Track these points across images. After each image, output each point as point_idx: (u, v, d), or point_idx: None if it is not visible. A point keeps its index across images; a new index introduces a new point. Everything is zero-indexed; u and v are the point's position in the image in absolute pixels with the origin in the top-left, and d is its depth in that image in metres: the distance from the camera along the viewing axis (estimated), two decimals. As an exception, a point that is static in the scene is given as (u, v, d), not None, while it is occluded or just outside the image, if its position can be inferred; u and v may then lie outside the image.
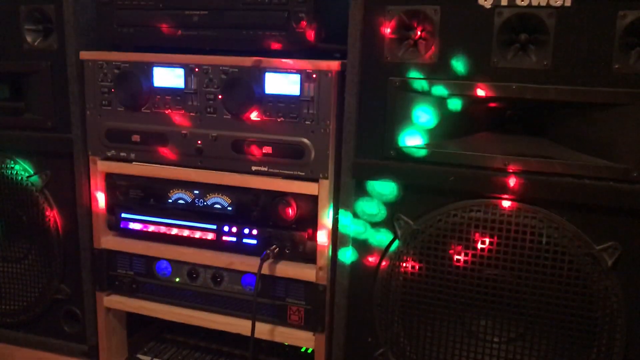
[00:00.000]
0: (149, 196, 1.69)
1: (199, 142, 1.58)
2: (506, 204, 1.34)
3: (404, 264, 1.43)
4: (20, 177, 1.76)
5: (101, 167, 1.70)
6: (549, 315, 1.33)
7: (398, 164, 1.42)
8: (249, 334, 1.55)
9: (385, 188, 1.45)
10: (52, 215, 1.76)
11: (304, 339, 1.61)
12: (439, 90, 1.36)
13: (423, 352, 1.45)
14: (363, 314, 1.52)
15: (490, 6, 1.29)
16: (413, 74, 1.38)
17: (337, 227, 1.50)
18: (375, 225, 1.48)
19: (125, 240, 1.74)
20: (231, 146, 1.55)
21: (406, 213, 1.43)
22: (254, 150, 1.53)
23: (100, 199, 1.72)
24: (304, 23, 1.47)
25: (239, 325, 1.64)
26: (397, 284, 1.45)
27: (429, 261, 1.40)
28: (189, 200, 1.65)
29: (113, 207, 1.73)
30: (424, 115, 1.40)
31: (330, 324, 1.57)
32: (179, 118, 1.60)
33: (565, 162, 1.30)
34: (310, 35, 1.48)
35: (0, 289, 1.88)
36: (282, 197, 1.54)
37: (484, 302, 1.38)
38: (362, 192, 1.47)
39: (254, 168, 1.55)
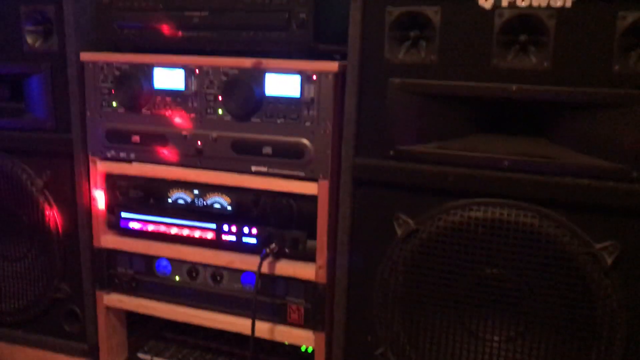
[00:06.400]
0: (149, 196, 1.69)
1: (199, 142, 1.58)
2: (506, 203, 1.34)
3: (404, 263, 1.44)
4: (20, 177, 1.76)
5: (101, 167, 1.70)
6: (549, 315, 1.34)
7: (398, 164, 1.42)
8: (248, 332, 1.56)
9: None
10: (52, 214, 1.76)
11: (304, 338, 1.61)
12: (439, 90, 1.37)
13: (423, 351, 1.46)
14: (363, 312, 1.53)
15: (490, 7, 1.29)
16: (413, 74, 1.38)
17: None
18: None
19: (125, 239, 1.74)
20: (231, 147, 1.56)
21: (406, 212, 1.44)
22: (254, 151, 1.53)
23: (100, 198, 1.72)
24: (304, 24, 1.47)
25: (239, 324, 1.64)
26: (396, 283, 1.45)
27: (429, 260, 1.41)
28: (189, 200, 1.65)
29: (113, 206, 1.73)
30: (423, 116, 1.40)
31: (330, 322, 1.58)
32: (179, 119, 1.60)
33: (564, 162, 1.31)
34: (310, 36, 1.48)
35: (1, 288, 1.88)
36: (282, 196, 1.55)
37: (483, 301, 1.39)
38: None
39: (253, 168, 1.55)
